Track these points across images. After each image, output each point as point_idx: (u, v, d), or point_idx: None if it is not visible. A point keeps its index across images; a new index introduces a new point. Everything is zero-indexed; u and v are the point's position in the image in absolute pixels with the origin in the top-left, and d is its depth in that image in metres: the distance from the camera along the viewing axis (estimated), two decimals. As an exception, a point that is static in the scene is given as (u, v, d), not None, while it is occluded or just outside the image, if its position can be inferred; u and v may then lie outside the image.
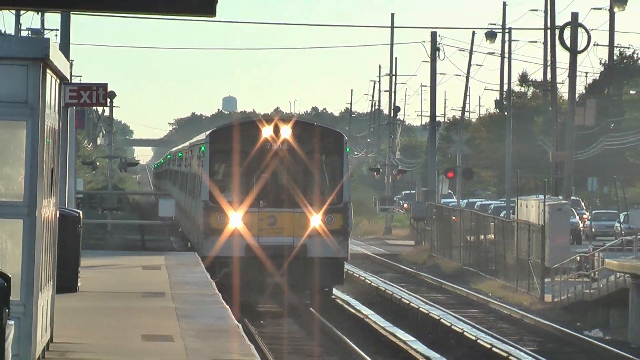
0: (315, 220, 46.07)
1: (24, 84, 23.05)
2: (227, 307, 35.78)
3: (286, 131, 47.41)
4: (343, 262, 48.28)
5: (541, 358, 46.42)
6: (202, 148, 50.55)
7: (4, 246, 21.68)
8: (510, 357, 43.99)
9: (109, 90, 48.76)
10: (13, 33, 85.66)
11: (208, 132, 51.54)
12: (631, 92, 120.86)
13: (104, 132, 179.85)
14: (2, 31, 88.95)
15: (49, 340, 25.11)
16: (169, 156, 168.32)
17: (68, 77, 33.93)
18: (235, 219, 46.17)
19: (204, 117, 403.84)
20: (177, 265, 50.53)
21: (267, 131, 47.17)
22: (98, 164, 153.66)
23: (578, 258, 74.16)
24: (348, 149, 49.52)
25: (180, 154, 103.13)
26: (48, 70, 23.84)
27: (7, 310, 16.86)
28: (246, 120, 54.38)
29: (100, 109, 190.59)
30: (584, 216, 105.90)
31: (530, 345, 51.07)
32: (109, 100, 61.70)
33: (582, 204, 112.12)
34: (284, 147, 47.24)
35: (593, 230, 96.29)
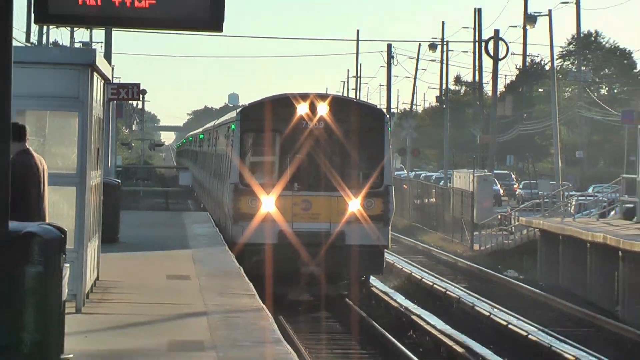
0: (354, 205, 36.45)
1: (77, 84, 23.00)
2: (232, 254, 34.58)
3: (323, 108, 37.26)
4: (383, 250, 38.15)
5: (471, 292, 46.76)
6: (233, 126, 40.24)
7: (61, 207, 21.73)
8: (447, 292, 44.05)
9: (141, 88, 49.33)
10: (68, 45, 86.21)
11: (239, 109, 40.39)
12: (539, 90, 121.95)
13: (137, 120, 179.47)
14: (60, 43, 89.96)
15: (95, 279, 25.28)
16: (190, 138, 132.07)
17: (110, 78, 34.20)
18: (268, 203, 36.50)
19: (213, 109, 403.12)
20: (192, 223, 49.68)
21: (302, 108, 37.13)
22: (133, 144, 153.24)
23: (499, 217, 74.95)
24: (390, 128, 39.22)
25: (201, 136, 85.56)
26: (95, 74, 23.89)
27: (64, 256, 16.71)
28: (280, 96, 38.34)
29: (134, 103, 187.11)
30: (515, 185, 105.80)
31: (463, 282, 51.30)
32: (140, 95, 61.82)
33: (513, 175, 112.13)
34: (320, 125, 37.31)
35: (522, 195, 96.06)
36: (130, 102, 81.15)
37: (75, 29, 78.33)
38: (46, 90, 22.96)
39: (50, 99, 23.26)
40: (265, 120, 37.83)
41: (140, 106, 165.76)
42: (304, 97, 37.59)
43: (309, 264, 35.80)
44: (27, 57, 22.82)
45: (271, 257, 35.54)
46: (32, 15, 21.46)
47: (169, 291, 27.11)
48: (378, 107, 48.34)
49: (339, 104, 38.70)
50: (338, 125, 37.18)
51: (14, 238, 15.63)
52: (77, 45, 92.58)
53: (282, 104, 38.08)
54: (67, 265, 18.78)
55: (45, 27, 79.55)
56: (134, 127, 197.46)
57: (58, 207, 21.08)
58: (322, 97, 38.34)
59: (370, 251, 36.70)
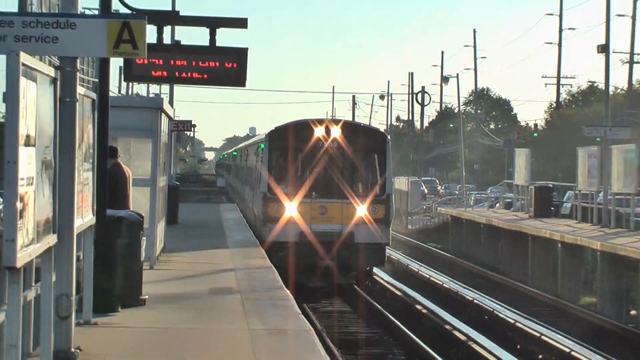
0: (361, 210, 32.86)
1: (150, 121, 22.76)
2: (251, 231, 34.26)
3: (335, 131, 33.56)
4: (385, 246, 34.35)
5: (406, 256, 46.73)
6: (262, 146, 36.28)
7: (141, 200, 21.64)
8: (391, 256, 43.88)
9: (193, 123, 50.48)
10: (145, 94, 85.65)
11: (267, 132, 36.42)
12: (450, 125, 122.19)
13: (190, 143, 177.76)
14: (140, 93, 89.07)
15: (162, 248, 25.16)
16: (225, 156, 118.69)
17: (172, 116, 34.08)
18: (291, 208, 33.10)
19: (239, 137, 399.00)
20: (225, 211, 49.14)
21: (318, 131, 33.36)
22: (187, 160, 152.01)
23: (424, 207, 74.57)
24: (390, 148, 35.17)
25: (234, 153, 75.02)
26: (162, 114, 23.69)
27: (142, 232, 16.76)
28: (300, 121, 35.14)
29: (188, 132, 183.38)
30: (438, 187, 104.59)
31: (400, 250, 50.98)
32: (192, 128, 61.81)
33: (437, 181, 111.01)
34: (334, 145, 33.54)
35: (442, 193, 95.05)
36: (185, 132, 79.87)
37: (150, 85, 77.39)
38: (131, 124, 22.63)
39: (134, 130, 23.02)
40: (289, 141, 34.17)
41: (191, 134, 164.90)
42: (320, 121, 34.05)
43: (325, 258, 32.35)
44: (119, 103, 22.72)
45: (293, 253, 32.27)
46: (123, 75, 21.16)
47: (210, 256, 26.82)
48: (380, 130, 43.63)
49: (349, 128, 35.02)
50: (348, 145, 33.41)
51: (110, 221, 15.63)
52: (151, 95, 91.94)
53: (302, 127, 34.02)
54: (144, 238, 18.86)
55: (130, 83, 78.79)
56: (187, 148, 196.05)
57: (139, 200, 21.01)
58: (336, 122, 34.94)
59: (374, 247, 33.10)
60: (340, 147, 33.81)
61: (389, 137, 36.96)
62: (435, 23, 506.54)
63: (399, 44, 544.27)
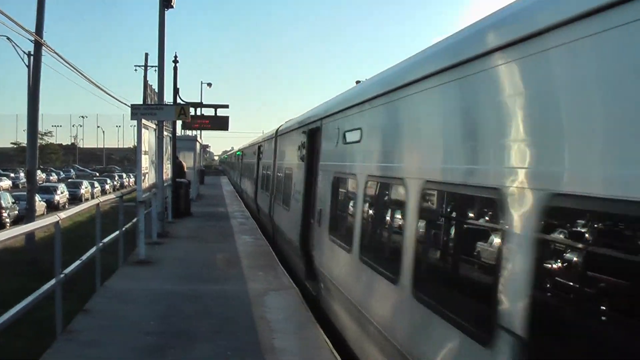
0: None
1: (192, 145, 27.69)
2: (249, 214, 23.86)
3: None
4: None
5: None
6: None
7: (190, 175, 23.59)
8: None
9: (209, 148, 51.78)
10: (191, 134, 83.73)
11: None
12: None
13: (208, 153, 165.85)
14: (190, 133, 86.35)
15: (197, 193, 27.80)
16: (226, 156, 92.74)
17: (202, 142, 36.77)
18: None
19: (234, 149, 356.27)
20: (223, 179, 52.22)
21: None
22: (206, 159, 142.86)
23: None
24: None
25: (238, 153, 58.99)
26: (197, 142, 28.59)
27: (189, 187, 20.81)
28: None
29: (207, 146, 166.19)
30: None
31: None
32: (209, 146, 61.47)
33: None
34: None
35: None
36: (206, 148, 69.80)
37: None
38: (185, 146, 26.36)
39: (186, 148, 26.84)
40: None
41: (210, 149, 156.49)
42: None
43: None
44: (180, 138, 22.90)
45: None
46: (182, 125, 20.10)
47: (220, 196, 30.05)
48: None
49: None
50: None
51: (177, 182, 19.67)
52: (193, 133, 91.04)
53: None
54: (191, 189, 22.18)
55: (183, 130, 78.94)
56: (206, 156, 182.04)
57: (189, 175, 22.32)
58: None
59: None
60: None
61: None
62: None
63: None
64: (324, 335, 7.17)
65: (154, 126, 15.10)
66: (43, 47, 18.39)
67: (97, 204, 9.57)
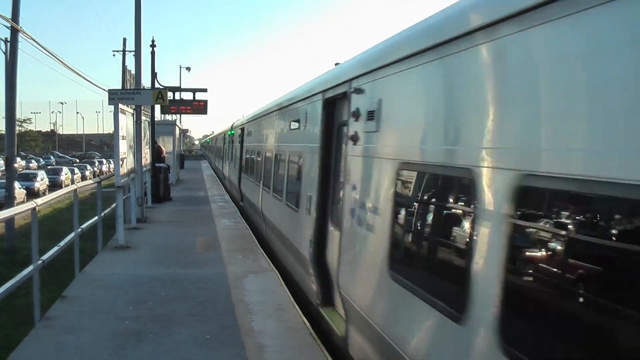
0: None
1: (171, 129, 27.31)
2: (229, 199, 22.95)
3: None
4: None
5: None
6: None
7: (170, 160, 23.60)
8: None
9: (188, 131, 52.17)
10: (171, 119, 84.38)
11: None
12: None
13: (188, 138, 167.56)
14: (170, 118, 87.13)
15: (177, 178, 26.41)
16: (208, 140, 74.70)
17: (182, 128, 36.88)
18: None
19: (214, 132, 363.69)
20: (203, 164, 51.10)
21: None
22: (186, 144, 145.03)
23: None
24: None
25: (208, 140, 55.41)
26: (177, 127, 28.33)
27: (169, 172, 20.83)
28: None
29: (187, 131, 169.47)
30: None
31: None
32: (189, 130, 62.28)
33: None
34: None
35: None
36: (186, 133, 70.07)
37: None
38: (164, 130, 26.59)
39: (165, 133, 26.80)
40: None
41: (190, 133, 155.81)
42: None
43: None
44: (159, 122, 23.72)
45: None
46: (161, 110, 21.39)
47: (199, 180, 30.58)
48: None
49: None
50: None
51: (156, 167, 19.70)
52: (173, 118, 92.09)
53: None
54: (170, 174, 22.25)
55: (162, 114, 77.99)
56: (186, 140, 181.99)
57: (169, 160, 23.25)
58: None
59: None
60: None
61: None
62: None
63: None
64: (303, 317, 7.22)
65: (132, 111, 14.93)
66: (19, 33, 18.29)
67: (75, 190, 9.55)
